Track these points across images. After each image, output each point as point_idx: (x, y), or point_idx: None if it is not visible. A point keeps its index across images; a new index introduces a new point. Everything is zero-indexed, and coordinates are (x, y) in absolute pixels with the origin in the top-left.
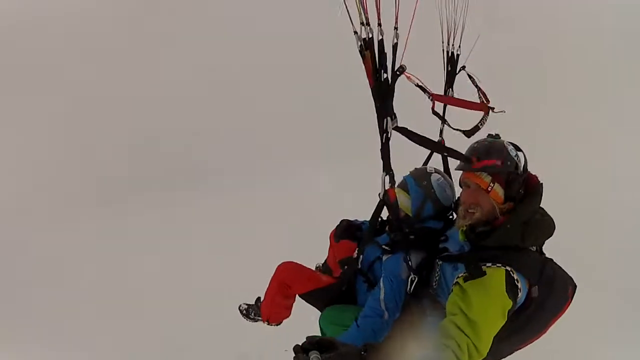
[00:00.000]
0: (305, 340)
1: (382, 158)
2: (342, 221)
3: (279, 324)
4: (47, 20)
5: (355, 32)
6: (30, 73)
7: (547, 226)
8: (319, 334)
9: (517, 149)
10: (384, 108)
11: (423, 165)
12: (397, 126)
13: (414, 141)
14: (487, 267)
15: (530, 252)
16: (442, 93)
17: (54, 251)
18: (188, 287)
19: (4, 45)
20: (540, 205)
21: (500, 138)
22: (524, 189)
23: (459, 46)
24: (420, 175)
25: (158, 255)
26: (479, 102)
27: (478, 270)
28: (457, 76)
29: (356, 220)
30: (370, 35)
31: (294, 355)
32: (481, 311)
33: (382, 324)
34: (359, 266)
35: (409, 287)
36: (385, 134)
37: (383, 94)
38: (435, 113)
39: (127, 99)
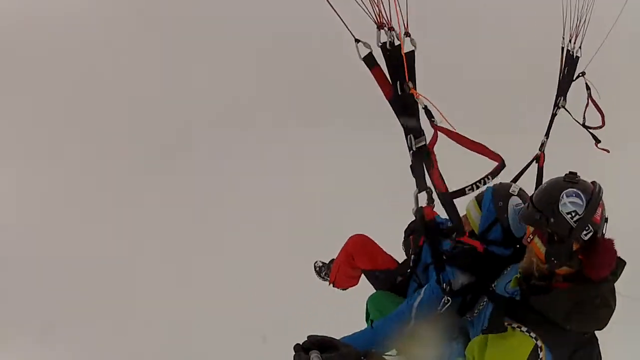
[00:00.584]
0: (306, 339)
1: (414, 176)
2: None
3: (345, 289)
4: None
5: (357, 40)
6: None
7: (602, 317)
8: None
9: (587, 206)
10: (406, 123)
11: (512, 181)
12: (421, 146)
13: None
14: (518, 329)
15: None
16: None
17: None
18: None
19: None
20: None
21: (576, 179)
22: (587, 257)
23: (580, 46)
24: (500, 193)
25: None
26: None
27: (498, 326)
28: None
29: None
30: (386, 40)
31: (294, 353)
32: None
33: (401, 330)
34: (415, 268)
35: (440, 306)
36: (410, 151)
37: (404, 108)
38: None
39: None
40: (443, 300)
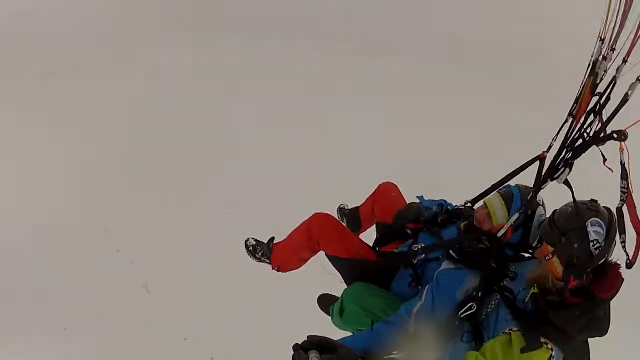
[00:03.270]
0: (306, 339)
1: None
2: (411, 205)
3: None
4: None
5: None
6: None
7: (606, 328)
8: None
9: (608, 231)
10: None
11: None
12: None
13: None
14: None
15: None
16: None
17: None
18: None
19: None
20: None
21: (597, 207)
22: (597, 278)
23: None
24: (529, 199)
25: None
26: None
27: (535, 343)
28: None
29: (425, 202)
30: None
31: (293, 352)
32: None
33: (402, 335)
34: (415, 260)
35: (463, 311)
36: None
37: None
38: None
39: None
40: (469, 305)
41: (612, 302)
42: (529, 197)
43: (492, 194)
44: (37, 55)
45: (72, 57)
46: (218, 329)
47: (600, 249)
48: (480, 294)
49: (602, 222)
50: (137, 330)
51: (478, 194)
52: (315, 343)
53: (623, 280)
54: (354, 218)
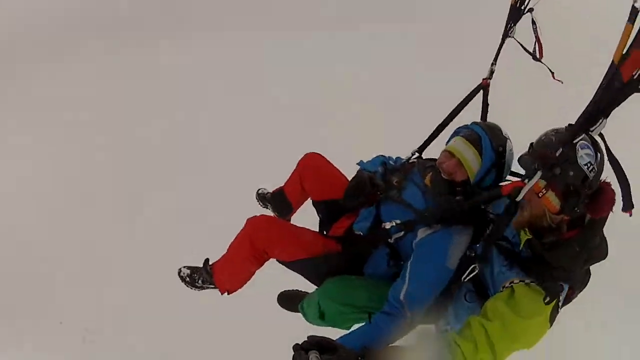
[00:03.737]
0: (305, 339)
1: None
2: (359, 176)
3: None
4: None
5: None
6: None
7: (603, 253)
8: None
9: (596, 152)
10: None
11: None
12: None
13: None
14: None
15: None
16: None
17: None
18: None
19: None
20: None
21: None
22: (592, 201)
23: None
24: (497, 136)
25: None
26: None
27: (556, 289)
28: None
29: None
30: None
31: (293, 352)
32: (519, 333)
33: (404, 324)
34: (390, 239)
35: (465, 275)
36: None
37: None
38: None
39: None
40: (472, 267)
41: None
42: (499, 133)
43: (454, 139)
44: None
45: None
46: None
47: (595, 170)
48: (476, 252)
49: (588, 144)
50: None
51: (424, 141)
52: (315, 343)
53: (615, 194)
54: (280, 201)
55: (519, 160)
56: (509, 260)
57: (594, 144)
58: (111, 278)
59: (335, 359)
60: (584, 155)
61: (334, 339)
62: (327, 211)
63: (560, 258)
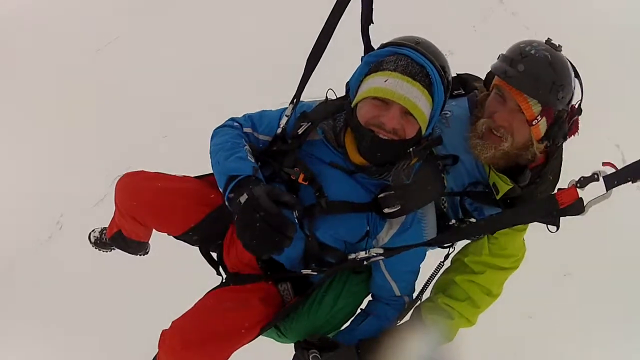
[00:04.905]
0: (305, 338)
1: None
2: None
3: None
4: None
5: None
6: None
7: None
8: None
9: (576, 73)
10: None
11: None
12: None
13: None
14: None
15: None
16: None
17: None
18: None
19: None
20: None
21: (559, 46)
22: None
23: None
24: (441, 60)
25: None
26: None
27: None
28: None
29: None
30: None
31: (294, 352)
32: (509, 266)
33: (405, 309)
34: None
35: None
36: None
37: None
38: None
39: None
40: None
41: None
42: (439, 53)
43: (384, 78)
44: None
45: None
46: None
47: (581, 92)
48: (451, 219)
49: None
50: None
51: (298, 86)
52: (315, 342)
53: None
54: (125, 243)
55: (523, 86)
56: (488, 202)
57: (572, 65)
58: None
59: (335, 356)
60: (573, 77)
61: (334, 338)
62: (201, 236)
63: (539, 192)
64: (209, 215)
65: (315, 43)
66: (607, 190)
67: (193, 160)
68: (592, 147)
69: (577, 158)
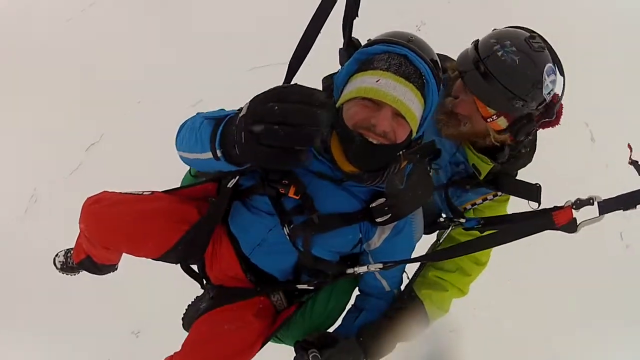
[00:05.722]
0: (304, 338)
1: None
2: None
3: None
4: None
5: None
6: None
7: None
8: None
9: (560, 67)
10: None
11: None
12: None
13: None
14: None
15: None
16: None
17: None
18: None
19: None
20: None
21: (542, 45)
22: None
23: None
24: (434, 54)
25: None
26: None
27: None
28: None
29: None
30: None
31: (295, 353)
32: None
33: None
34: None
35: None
36: None
37: None
38: None
39: None
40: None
41: None
42: (431, 51)
43: (376, 77)
44: None
45: None
46: None
47: (558, 96)
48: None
49: (554, 67)
50: None
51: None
52: (314, 340)
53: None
54: (95, 267)
55: (479, 92)
56: (470, 184)
57: (559, 63)
58: None
59: (336, 352)
60: (549, 84)
61: (333, 332)
62: (182, 254)
63: (518, 167)
64: (188, 233)
65: (300, 42)
66: (599, 215)
67: (167, 125)
68: (561, 124)
69: (547, 135)
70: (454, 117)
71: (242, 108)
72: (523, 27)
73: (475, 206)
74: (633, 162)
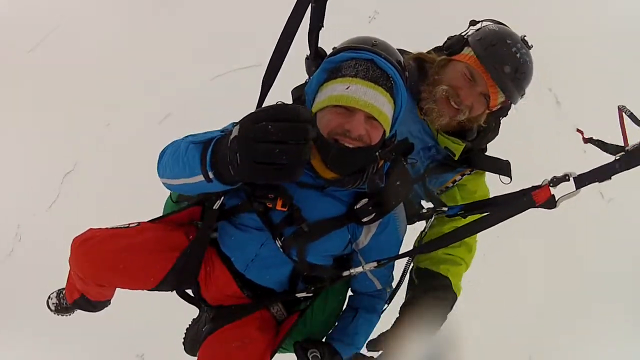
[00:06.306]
0: (304, 338)
1: None
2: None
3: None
4: None
5: None
6: None
7: None
8: None
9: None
10: None
11: None
12: None
13: None
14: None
15: None
16: None
17: None
18: None
19: None
20: None
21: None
22: None
23: None
24: (399, 55)
25: None
26: None
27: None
28: None
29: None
30: None
31: (295, 353)
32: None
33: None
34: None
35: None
36: None
37: None
38: None
39: None
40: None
41: None
42: (396, 53)
43: (346, 85)
44: None
45: None
46: None
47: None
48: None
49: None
50: None
51: (259, 97)
52: (314, 340)
53: None
54: (89, 305)
55: (502, 85)
56: (449, 166)
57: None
58: None
59: (335, 351)
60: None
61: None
62: (176, 281)
63: (487, 141)
64: (179, 259)
65: (272, 56)
66: (576, 189)
67: (139, 145)
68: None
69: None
70: (448, 105)
71: (227, 129)
72: (499, 22)
73: (456, 182)
74: (588, 140)
